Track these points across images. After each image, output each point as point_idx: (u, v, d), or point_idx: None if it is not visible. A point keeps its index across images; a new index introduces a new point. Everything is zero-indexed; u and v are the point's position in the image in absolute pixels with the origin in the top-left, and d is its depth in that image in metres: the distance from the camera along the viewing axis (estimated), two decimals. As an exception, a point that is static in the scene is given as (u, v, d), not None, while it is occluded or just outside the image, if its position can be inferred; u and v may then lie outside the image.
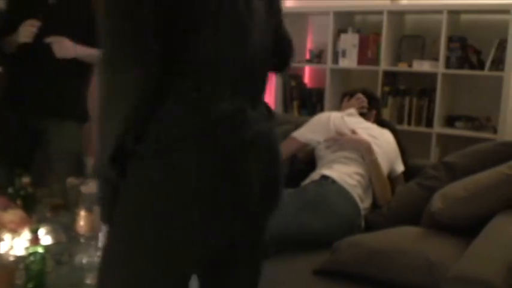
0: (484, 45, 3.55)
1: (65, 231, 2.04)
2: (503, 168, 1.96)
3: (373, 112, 2.82)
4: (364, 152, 2.49)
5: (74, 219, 2.08)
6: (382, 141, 2.61)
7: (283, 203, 2.18)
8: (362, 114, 2.78)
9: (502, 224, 1.75)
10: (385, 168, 2.56)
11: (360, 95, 2.82)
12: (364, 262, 1.81)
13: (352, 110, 2.75)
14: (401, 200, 2.41)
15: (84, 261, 1.81)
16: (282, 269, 1.94)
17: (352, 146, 2.52)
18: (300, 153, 2.78)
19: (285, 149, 2.62)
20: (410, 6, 3.76)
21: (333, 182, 2.35)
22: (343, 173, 2.41)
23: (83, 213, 2.05)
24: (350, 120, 2.67)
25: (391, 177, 2.62)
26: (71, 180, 2.36)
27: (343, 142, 2.54)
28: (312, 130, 2.64)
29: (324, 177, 2.38)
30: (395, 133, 2.80)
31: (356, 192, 2.36)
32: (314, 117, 2.73)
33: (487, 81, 3.68)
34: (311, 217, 2.19)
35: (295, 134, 2.67)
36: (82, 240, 1.98)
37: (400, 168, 2.65)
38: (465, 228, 1.92)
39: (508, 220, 1.79)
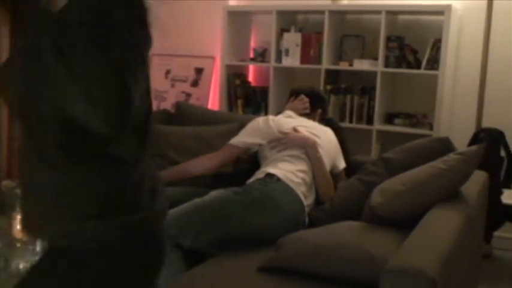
0: (420, 45, 3.69)
1: (1, 235, 1.98)
2: (437, 163, 2.04)
3: (318, 111, 2.87)
4: (309, 148, 2.53)
5: (10, 224, 2.01)
6: (324, 139, 2.66)
7: (228, 201, 2.22)
8: (306, 114, 2.82)
9: (437, 217, 1.83)
10: (327, 165, 2.61)
11: (302, 97, 2.85)
12: (308, 258, 1.84)
13: (291, 113, 2.79)
14: (343, 195, 2.47)
15: (21, 266, 1.76)
16: (226, 267, 1.95)
17: (298, 144, 2.55)
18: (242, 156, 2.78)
19: (225, 156, 2.63)
20: (351, 7, 3.85)
21: (278, 180, 2.38)
22: (288, 171, 2.44)
23: (19, 217, 1.99)
24: (290, 120, 2.70)
25: (333, 174, 2.67)
26: (7, 183, 2.29)
27: (288, 140, 2.56)
28: (252, 135, 2.65)
29: (269, 175, 2.41)
30: (340, 131, 2.86)
31: (300, 189, 2.40)
32: (251, 123, 2.72)
33: (424, 79, 3.82)
34: (257, 215, 2.21)
35: (234, 142, 2.65)
36: (18, 245, 1.93)
37: (341, 165, 2.71)
38: (404, 221, 1.98)
39: (442, 213, 1.87)
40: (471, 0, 3.66)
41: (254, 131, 2.66)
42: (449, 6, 3.42)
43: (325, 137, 2.67)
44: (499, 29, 3.63)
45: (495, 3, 3.60)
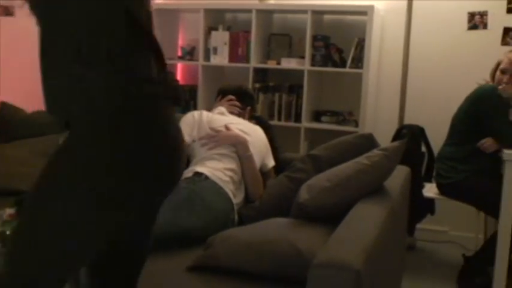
0: (345, 44, 3.79)
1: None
2: (362, 159, 2.10)
3: (247, 109, 2.88)
4: (240, 147, 2.53)
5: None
6: (254, 137, 2.67)
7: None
8: (238, 111, 2.83)
9: (362, 211, 1.88)
10: (257, 163, 2.63)
11: (230, 97, 2.85)
12: (237, 255, 1.84)
13: (223, 109, 2.79)
14: (272, 193, 2.49)
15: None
16: (155, 268, 1.92)
17: (229, 141, 2.55)
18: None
19: None
20: (278, 6, 3.89)
21: (206, 178, 2.37)
22: (216, 169, 2.44)
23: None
24: (222, 118, 2.71)
25: (262, 172, 2.70)
26: None
27: (219, 138, 2.56)
28: (189, 129, 2.63)
29: (197, 174, 2.40)
30: (270, 129, 2.88)
31: (229, 187, 2.40)
32: (185, 117, 2.70)
33: (349, 78, 3.93)
34: (186, 214, 2.19)
35: None
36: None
37: (270, 163, 2.74)
38: (331, 216, 2.03)
39: (367, 207, 1.92)
40: (392, 0, 3.80)
41: (190, 125, 2.64)
42: (371, 7, 3.53)
43: (255, 135, 2.69)
44: (419, 29, 3.79)
45: (415, 4, 3.76)
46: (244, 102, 2.86)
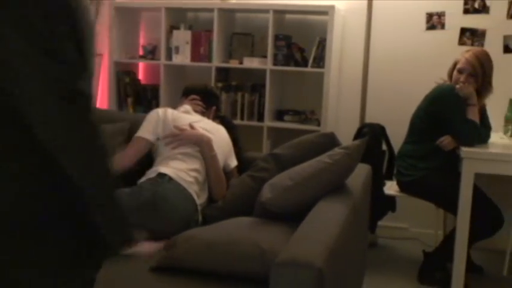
0: (307, 44, 3.81)
1: None
2: (324, 158, 2.12)
3: (212, 108, 2.87)
4: (204, 146, 2.51)
5: None
6: (217, 136, 2.66)
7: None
8: (201, 111, 2.81)
9: (324, 209, 1.89)
10: (221, 163, 2.62)
11: (193, 97, 2.83)
12: (200, 255, 1.84)
13: (188, 107, 2.77)
14: (235, 192, 2.49)
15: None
16: (118, 269, 1.89)
17: (193, 141, 2.53)
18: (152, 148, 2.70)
19: (138, 150, 2.56)
20: (240, 5, 3.89)
21: (170, 179, 2.34)
22: (180, 169, 2.42)
23: None
24: (186, 116, 2.68)
25: (225, 172, 2.69)
26: None
27: (183, 137, 2.54)
28: (154, 126, 2.60)
29: (160, 175, 2.37)
30: (234, 129, 2.87)
31: (193, 188, 2.38)
32: (150, 114, 2.67)
33: (311, 77, 3.96)
34: (149, 216, 2.17)
35: (141, 134, 2.59)
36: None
37: (233, 163, 2.73)
38: (293, 214, 2.04)
39: (329, 205, 1.94)
40: (353, 0, 3.85)
41: (154, 123, 2.61)
42: (332, 7, 3.56)
43: (218, 135, 2.68)
44: (379, 29, 3.85)
45: (375, 4, 3.81)
46: (209, 102, 2.85)
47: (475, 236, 2.95)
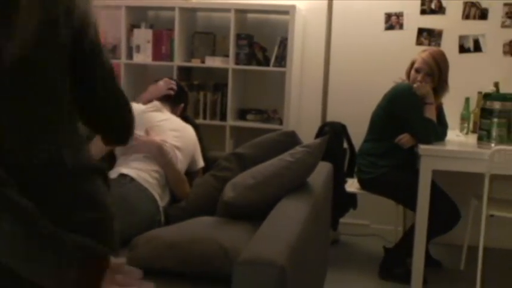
0: (269, 43, 3.83)
1: None
2: (285, 156, 2.14)
3: (180, 106, 2.85)
4: (156, 155, 2.48)
5: None
6: (184, 135, 2.64)
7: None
8: (171, 106, 2.78)
9: (286, 207, 1.91)
10: (184, 161, 2.60)
11: (167, 79, 2.84)
12: (163, 256, 1.82)
13: (157, 103, 2.73)
14: (198, 192, 2.48)
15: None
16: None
17: (145, 150, 2.49)
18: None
19: (101, 147, 2.52)
20: (201, 4, 3.88)
21: (131, 180, 2.32)
22: (142, 170, 2.39)
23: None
24: (155, 115, 2.65)
25: (192, 171, 2.68)
26: None
27: (135, 147, 2.50)
28: None
29: (122, 176, 2.34)
30: (198, 129, 2.87)
31: (155, 189, 2.36)
32: None
33: (273, 76, 3.97)
34: None
35: None
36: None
37: (200, 163, 2.73)
38: (256, 213, 2.05)
39: (291, 203, 1.96)
40: (313, 0, 3.88)
41: None
42: (293, 7, 3.59)
43: (186, 134, 2.67)
44: (339, 29, 3.89)
45: (335, 4, 3.85)
46: (179, 98, 2.84)
47: (433, 231, 3.02)
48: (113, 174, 2.38)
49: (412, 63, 3.23)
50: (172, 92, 2.81)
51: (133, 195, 2.25)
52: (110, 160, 2.61)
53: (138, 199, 2.26)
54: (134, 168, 2.39)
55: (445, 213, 3.05)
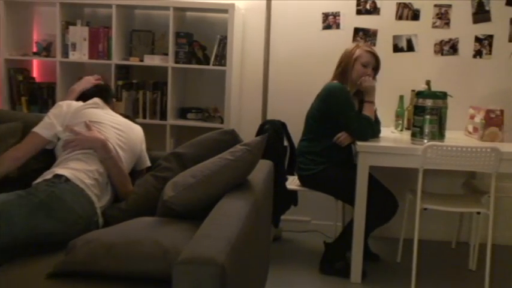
0: (208, 42, 3.82)
1: None
2: (226, 155, 2.14)
3: (112, 101, 2.81)
4: (99, 151, 2.43)
5: None
6: (129, 134, 2.60)
7: (11, 205, 2.04)
8: (106, 102, 2.74)
9: (226, 206, 1.91)
10: (129, 160, 2.55)
11: (98, 77, 2.83)
12: (101, 258, 1.78)
13: (98, 100, 2.67)
14: (138, 192, 2.44)
15: None
16: (13, 277, 1.81)
17: (88, 146, 2.44)
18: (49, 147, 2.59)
19: (28, 145, 2.45)
20: (139, 2, 3.82)
21: (67, 180, 2.26)
22: (79, 170, 2.33)
23: None
24: (96, 111, 2.58)
25: (137, 171, 2.64)
26: None
27: (77, 143, 2.45)
28: (53, 123, 2.49)
29: (57, 176, 2.28)
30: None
31: (92, 191, 2.30)
32: (54, 108, 2.55)
33: (213, 75, 3.97)
34: (44, 218, 2.08)
35: (37, 129, 2.48)
36: None
37: (146, 163, 2.69)
38: (197, 212, 2.04)
39: (231, 201, 1.96)
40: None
41: (57, 118, 2.50)
42: (232, 5, 3.59)
43: (131, 133, 2.62)
44: (278, 28, 3.94)
45: (273, 3, 3.89)
46: (108, 94, 2.81)
47: (373, 222, 3.10)
48: (48, 174, 2.31)
49: (354, 59, 3.26)
50: (101, 82, 2.79)
51: (68, 196, 2.19)
52: (46, 160, 2.54)
53: (73, 200, 2.20)
54: (71, 169, 2.32)
55: (384, 203, 3.12)
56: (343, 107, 3.16)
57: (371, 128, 3.17)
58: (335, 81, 3.27)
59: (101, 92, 2.78)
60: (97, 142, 2.45)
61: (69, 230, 2.08)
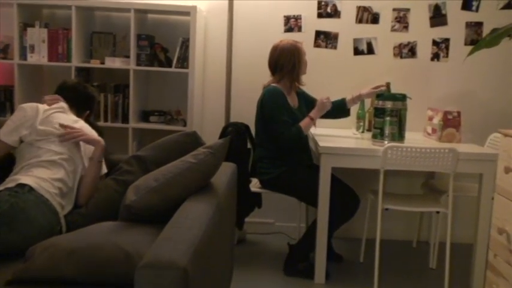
0: (170, 44, 3.80)
1: None
2: (188, 158, 2.13)
3: (86, 113, 2.76)
4: (98, 150, 2.47)
5: None
6: None
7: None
8: (77, 110, 2.69)
9: (189, 209, 1.90)
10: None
11: (56, 97, 2.68)
12: (61, 263, 1.75)
13: (63, 104, 2.61)
14: (99, 197, 2.41)
15: None
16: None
17: (90, 140, 2.47)
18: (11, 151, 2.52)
19: None
20: (99, 3, 3.76)
21: (30, 190, 2.19)
22: (43, 179, 2.27)
23: None
24: (56, 117, 2.53)
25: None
26: None
27: (82, 133, 2.45)
28: (16, 127, 2.42)
29: (21, 186, 2.21)
30: (102, 135, 2.78)
31: (56, 200, 2.25)
32: (17, 112, 2.47)
33: (175, 77, 3.95)
34: (5, 230, 2.02)
35: (1, 136, 2.41)
36: None
37: (104, 169, 2.66)
38: (159, 216, 2.02)
39: (194, 204, 1.95)
40: (214, 1, 3.90)
41: (20, 121, 2.43)
42: (194, 8, 3.58)
43: None
44: (240, 30, 3.94)
45: (235, 6, 3.90)
46: (85, 104, 2.75)
47: (337, 220, 3.13)
48: (11, 182, 2.24)
49: (304, 55, 3.35)
50: (64, 106, 2.66)
51: (32, 207, 2.13)
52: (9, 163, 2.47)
53: (37, 210, 2.14)
54: (35, 177, 2.26)
55: (345, 199, 3.15)
56: (274, 107, 3.18)
57: (291, 138, 3.17)
58: (274, 85, 3.30)
59: (85, 100, 2.74)
60: (99, 141, 2.49)
61: (32, 241, 2.01)
